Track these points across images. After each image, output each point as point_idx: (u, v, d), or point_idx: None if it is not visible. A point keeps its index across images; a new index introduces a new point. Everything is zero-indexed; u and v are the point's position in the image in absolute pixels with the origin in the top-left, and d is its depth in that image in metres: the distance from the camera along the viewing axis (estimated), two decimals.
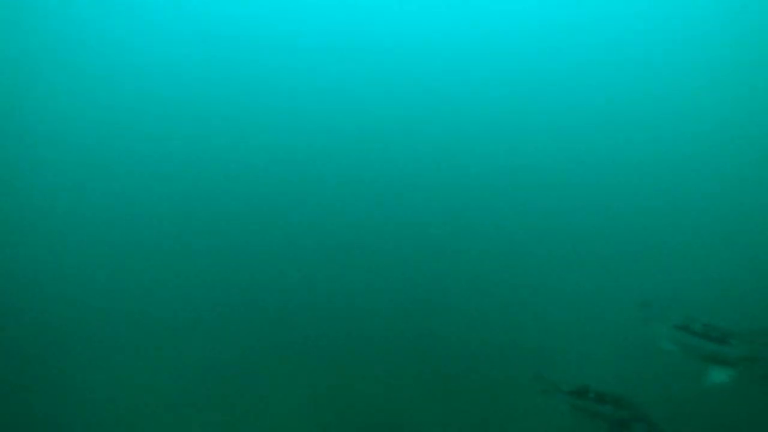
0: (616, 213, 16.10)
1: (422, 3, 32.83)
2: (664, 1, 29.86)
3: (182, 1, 31.44)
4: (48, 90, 26.12)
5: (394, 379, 10.14)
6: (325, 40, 31.60)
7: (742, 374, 8.38)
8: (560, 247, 14.26)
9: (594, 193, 17.48)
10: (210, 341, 11.31)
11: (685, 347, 8.75)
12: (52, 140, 22.71)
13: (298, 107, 26.75)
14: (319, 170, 21.25)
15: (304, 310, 12.59)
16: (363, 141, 23.23)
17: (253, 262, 14.93)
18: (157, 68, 29.20)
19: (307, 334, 11.66)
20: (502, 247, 14.86)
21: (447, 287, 13.20)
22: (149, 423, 9.26)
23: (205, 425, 9.14)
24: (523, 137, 22.73)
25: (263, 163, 21.75)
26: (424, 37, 31.35)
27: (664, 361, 8.34)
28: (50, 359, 10.81)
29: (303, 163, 21.80)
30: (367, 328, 11.75)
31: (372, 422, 9.29)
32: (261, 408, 9.63)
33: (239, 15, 32.64)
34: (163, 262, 14.74)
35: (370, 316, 12.20)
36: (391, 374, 10.27)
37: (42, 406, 9.59)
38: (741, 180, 17.13)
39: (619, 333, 9.93)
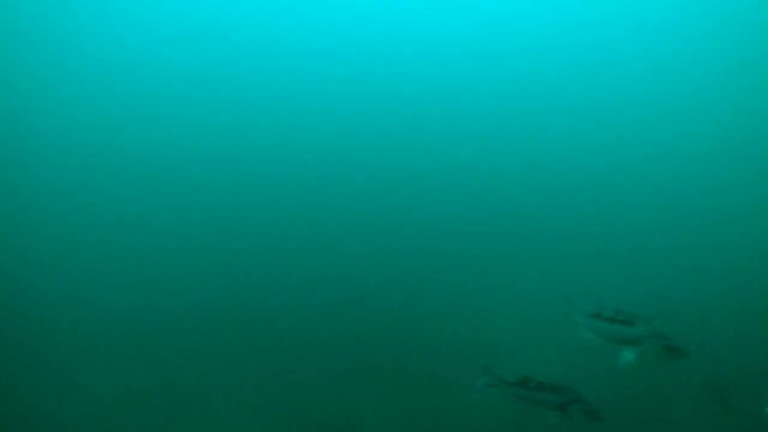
0: (546, 218, 17.49)
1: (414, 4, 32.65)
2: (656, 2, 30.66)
3: (181, 3, 29.95)
4: (46, 91, 25.06)
5: (342, 377, 10.56)
6: (320, 41, 31.11)
7: (647, 350, 9.53)
8: (496, 250, 15.30)
9: (527, 200, 18.80)
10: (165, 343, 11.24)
11: (599, 333, 9.83)
12: (47, 142, 21.94)
13: (293, 111, 26.37)
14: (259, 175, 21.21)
15: (252, 311, 12.69)
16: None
17: (201, 265, 14.89)
18: (157, 69, 28.04)
19: (255, 335, 11.80)
20: (444, 249, 15.66)
21: (391, 287, 13.75)
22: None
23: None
24: (462, 140, 23.53)
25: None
26: (404, 38, 31.42)
27: (588, 348, 9.39)
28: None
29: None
30: (315, 329, 12.03)
31: (320, 421, 9.63)
32: (207, 411, 9.75)
33: (239, 16, 31.45)
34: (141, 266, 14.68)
35: (317, 317, 12.48)
36: (339, 373, 10.68)
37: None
38: (643, 182, 19.09)
39: (551, 327, 10.98)
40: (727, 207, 16.71)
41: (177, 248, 16.03)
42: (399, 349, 11.37)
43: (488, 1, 33.45)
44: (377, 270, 14.64)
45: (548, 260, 14.27)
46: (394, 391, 10.16)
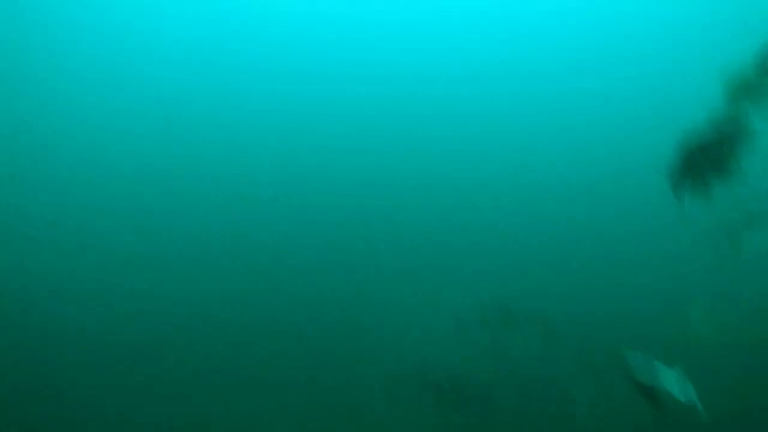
0: (432, 221, 18.03)
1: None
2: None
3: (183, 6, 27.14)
4: (45, 92, 23.11)
5: (241, 383, 10.42)
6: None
7: (529, 336, 10.45)
8: (391, 256, 15.58)
9: (413, 204, 19.16)
10: None
11: (489, 328, 10.63)
12: (47, 143, 20.57)
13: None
14: None
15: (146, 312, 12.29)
16: None
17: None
18: (158, 71, 25.25)
19: (149, 337, 11.51)
20: (338, 255, 15.70)
21: (288, 289, 13.64)
22: None
23: None
24: (368, 140, 23.29)
25: None
26: None
27: (480, 342, 10.15)
28: None
29: None
30: (212, 337, 11.77)
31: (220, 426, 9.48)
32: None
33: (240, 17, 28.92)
34: None
35: (214, 324, 12.20)
36: (239, 378, 10.52)
37: None
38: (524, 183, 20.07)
39: (444, 325, 11.62)
40: (594, 202, 18.19)
41: None
42: (294, 353, 11.40)
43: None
44: (273, 270, 14.52)
45: (440, 262, 14.96)
46: (290, 396, 10.23)
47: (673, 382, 5.05)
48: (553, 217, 17.78)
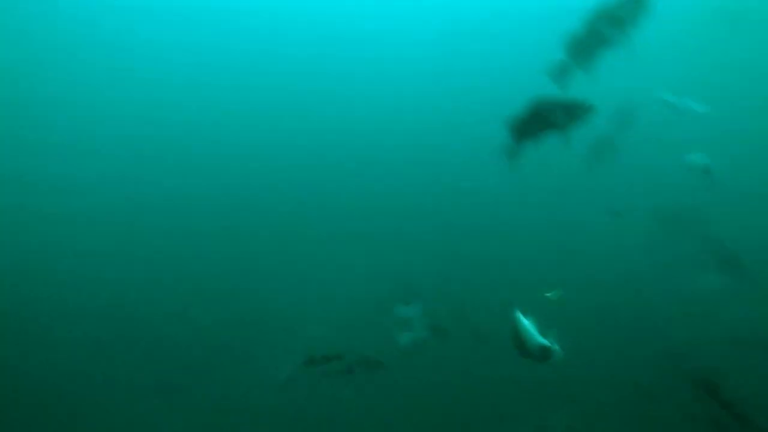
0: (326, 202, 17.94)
1: None
2: None
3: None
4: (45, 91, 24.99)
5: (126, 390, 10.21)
6: None
7: (419, 329, 10.71)
8: (280, 235, 15.51)
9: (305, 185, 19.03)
10: None
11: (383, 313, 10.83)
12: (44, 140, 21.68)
13: None
14: None
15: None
16: None
17: None
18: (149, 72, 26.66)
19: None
20: (227, 237, 15.49)
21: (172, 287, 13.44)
22: None
23: None
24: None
25: None
26: None
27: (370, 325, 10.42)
28: None
29: None
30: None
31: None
32: None
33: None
34: None
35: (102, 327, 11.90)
36: (123, 384, 10.40)
37: None
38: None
39: (334, 306, 11.80)
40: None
41: None
42: (180, 356, 11.21)
43: None
44: (171, 269, 14.23)
45: (332, 242, 15.06)
46: (186, 399, 10.07)
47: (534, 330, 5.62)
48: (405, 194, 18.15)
